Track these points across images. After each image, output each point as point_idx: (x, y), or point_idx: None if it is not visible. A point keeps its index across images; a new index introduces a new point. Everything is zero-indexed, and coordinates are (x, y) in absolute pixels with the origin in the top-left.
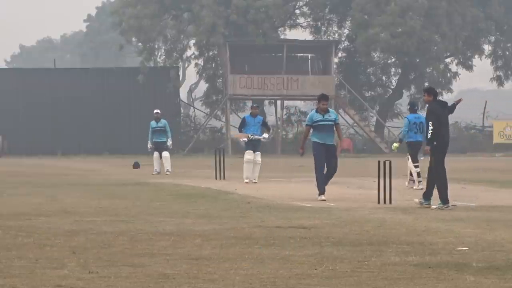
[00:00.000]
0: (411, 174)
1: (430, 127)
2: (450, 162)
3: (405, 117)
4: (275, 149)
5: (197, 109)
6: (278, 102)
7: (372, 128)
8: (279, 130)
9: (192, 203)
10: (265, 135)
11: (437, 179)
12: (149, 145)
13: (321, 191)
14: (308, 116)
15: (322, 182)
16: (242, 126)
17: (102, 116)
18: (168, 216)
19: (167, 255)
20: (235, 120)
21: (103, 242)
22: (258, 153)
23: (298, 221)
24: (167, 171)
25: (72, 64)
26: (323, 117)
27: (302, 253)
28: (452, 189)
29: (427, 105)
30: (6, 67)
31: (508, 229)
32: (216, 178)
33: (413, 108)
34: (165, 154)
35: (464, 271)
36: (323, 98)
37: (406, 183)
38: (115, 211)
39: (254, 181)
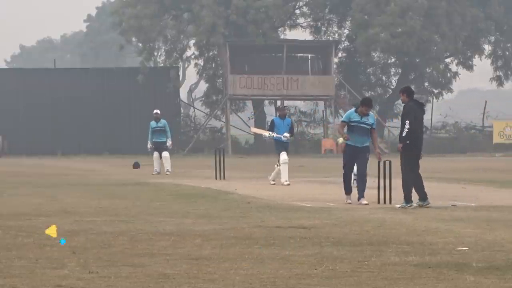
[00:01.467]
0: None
1: (407, 126)
2: (450, 162)
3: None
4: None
5: (197, 109)
6: (278, 102)
7: None
8: None
9: (192, 203)
10: (286, 134)
11: (404, 178)
12: (149, 145)
13: (347, 192)
14: (346, 113)
15: (348, 185)
16: (271, 129)
17: (102, 116)
18: (168, 216)
19: (167, 255)
20: (235, 120)
21: (103, 242)
22: (284, 152)
23: (298, 221)
24: (167, 171)
25: (72, 64)
26: (361, 119)
27: (302, 253)
28: (452, 189)
29: (403, 104)
30: (6, 67)
31: (508, 229)
32: (216, 178)
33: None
34: (165, 154)
35: (464, 271)
36: (365, 104)
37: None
38: (115, 211)
39: (286, 183)
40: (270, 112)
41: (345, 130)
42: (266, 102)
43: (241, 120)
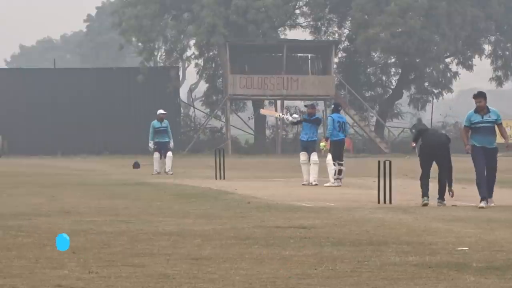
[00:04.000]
0: (339, 173)
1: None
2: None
3: (329, 116)
4: (275, 149)
5: (197, 109)
6: (278, 102)
7: (372, 128)
8: (279, 130)
9: (192, 203)
10: (295, 115)
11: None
12: (151, 145)
13: (482, 196)
14: (466, 115)
15: (483, 187)
16: (299, 122)
17: (102, 116)
18: (168, 216)
19: (167, 255)
20: (235, 120)
21: (103, 242)
22: (315, 153)
23: (298, 221)
24: (169, 171)
25: (72, 64)
26: (482, 118)
27: (302, 253)
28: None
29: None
30: (6, 67)
31: (508, 229)
32: (216, 178)
33: (336, 108)
34: (170, 154)
35: (464, 271)
36: (476, 95)
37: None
38: (115, 211)
39: (314, 183)
40: None
41: (469, 135)
42: (266, 102)
43: (241, 120)
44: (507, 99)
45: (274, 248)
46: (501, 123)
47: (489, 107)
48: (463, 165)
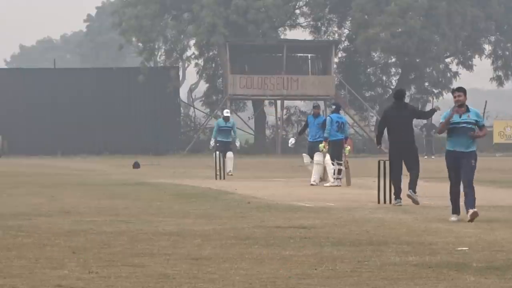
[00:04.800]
0: (338, 173)
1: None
2: None
3: (328, 116)
4: (275, 149)
5: (197, 109)
6: (278, 102)
7: (372, 128)
8: (279, 130)
9: (192, 203)
10: (320, 146)
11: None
12: (212, 143)
13: (454, 210)
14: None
15: (454, 199)
16: (305, 128)
17: (102, 116)
18: (168, 216)
19: (167, 255)
20: (235, 120)
21: (103, 242)
22: (318, 153)
23: (298, 221)
24: (229, 172)
25: (72, 64)
26: (460, 117)
27: (302, 253)
28: None
29: None
30: (6, 67)
31: (508, 229)
32: (216, 178)
33: (336, 108)
34: (230, 154)
35: (464, 271)
36: (455, 89)
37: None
38: (115, 211)
39: (313, 181)
40: (271, 112)
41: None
42: (266, 102)
43: (241, 120)
44: (507, 99)
45: (274, 248)
46: (483, 126)
47: (469, 107)
48: None
